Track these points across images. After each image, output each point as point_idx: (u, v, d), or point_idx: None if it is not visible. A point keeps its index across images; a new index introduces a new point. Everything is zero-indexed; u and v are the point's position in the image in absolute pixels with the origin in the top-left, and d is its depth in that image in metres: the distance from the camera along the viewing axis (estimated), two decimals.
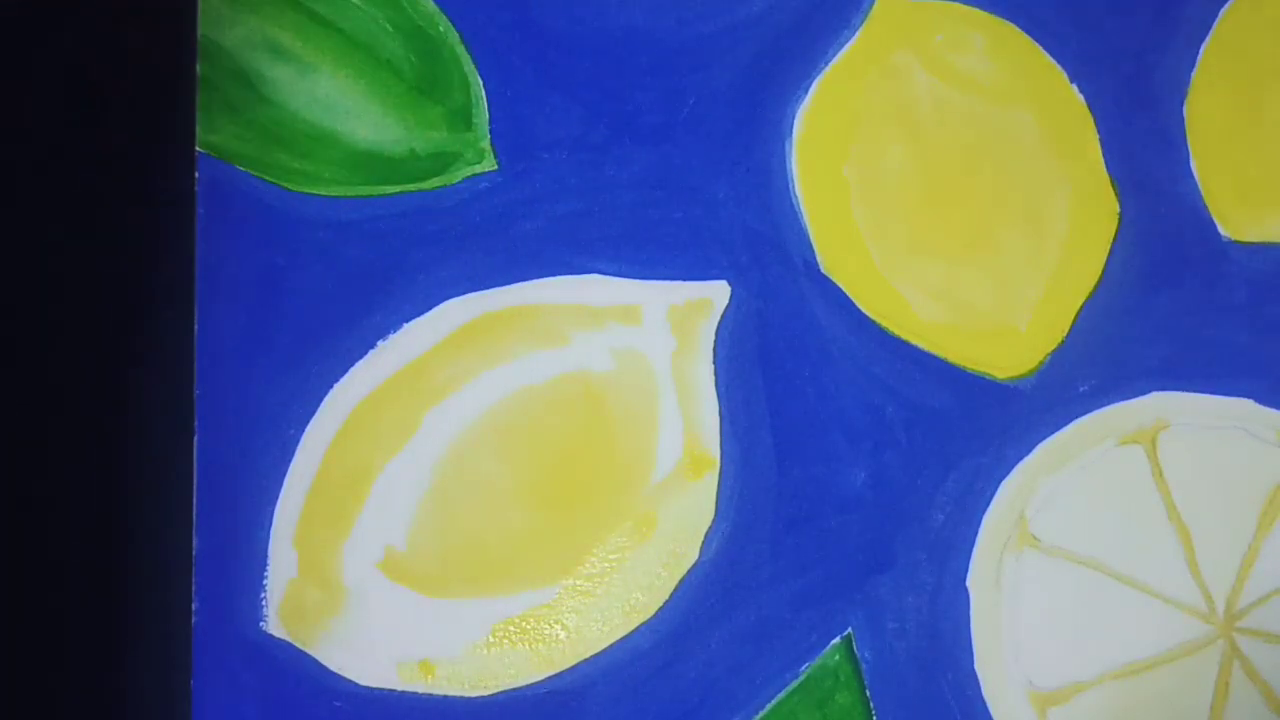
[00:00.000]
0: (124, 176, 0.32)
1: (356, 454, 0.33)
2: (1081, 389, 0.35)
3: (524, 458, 0.34)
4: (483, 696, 0.33)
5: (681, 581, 0.34)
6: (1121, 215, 0.36)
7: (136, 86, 0.33)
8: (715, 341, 0.35)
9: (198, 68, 0.34)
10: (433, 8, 0.35)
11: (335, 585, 0.33)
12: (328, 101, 0.35)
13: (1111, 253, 0.36)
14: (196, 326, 0.33)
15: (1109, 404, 0.35)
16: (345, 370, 0.34)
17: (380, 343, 0.34)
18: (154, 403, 0.32)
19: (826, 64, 0.36)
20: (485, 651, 0.33)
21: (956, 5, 0.37)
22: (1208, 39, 0.37)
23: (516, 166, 0.35)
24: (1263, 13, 0.37)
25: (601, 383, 0.34)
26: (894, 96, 0.36)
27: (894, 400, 0.35)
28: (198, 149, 0.34)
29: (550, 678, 0.33)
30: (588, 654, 0.33)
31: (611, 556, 0.34)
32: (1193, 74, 0.37)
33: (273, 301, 0.34)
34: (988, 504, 0.35)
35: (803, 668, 0.34)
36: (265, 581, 0.33)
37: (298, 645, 0.33)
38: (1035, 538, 0.34)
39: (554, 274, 0.35)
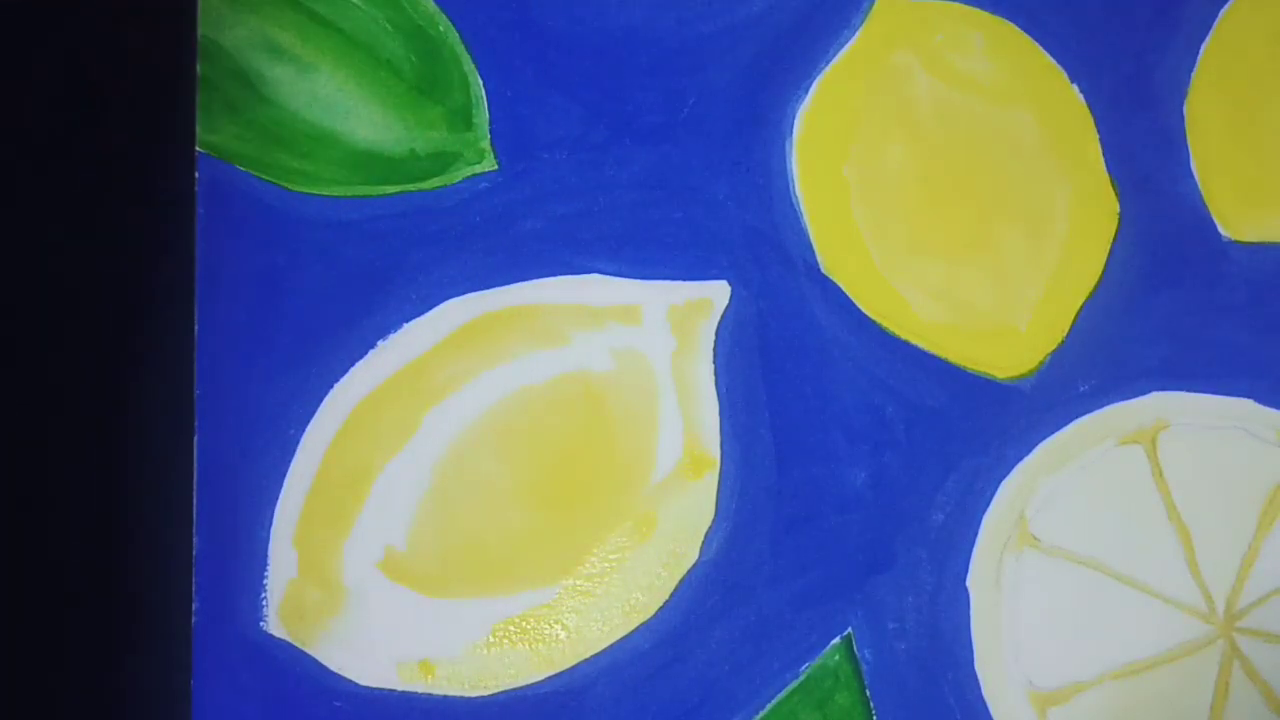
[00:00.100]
0: (124, 176, 0.32)
1: (356, 454, 0.33)
2: (1081, 389, 0.35)
3: (524, 458, 0.34)
4: (483, 696, 0.33)
5: (681, 581, 0.34)
6: (1121, 215, 0.36)
7: (136, 86, 0.33)
8: (715, 341, 0.35)
9: (198, 68, 0.34)
10: (433, 8, 0.35)
11: (335, 585, 0.33)
12: (328, 101, 0.35)
13: (1111, 253, 0.36)
14: (196, 326, 0.33)
15: (1109, 404, 0.35)
16: (345, 370, 0.34)
17: (380, 343, 0.34)
18: (154, 403, 0.32)
19: (826, 64, 0.36)
20: (485, 651, 0.33)
21: (956, 5, 0.37)
22: (1208, 39, 0.37)
23: (516, 166, 0.35)
24: (1263, 13, 0.37)
25: (601, 383, 0.34)
26: (894, 96, 0.36)
27: (894, 400, 0.35)
28: (198, 149, 0.34)
29: (550, 678, 0.33)
30: (588, 654, 0.33)
31: (611, 556, 0.34)
32: (1193, 74, 0.37)
33: (273, 301, 0.34)
34: (988, 504, 0.35)
35: (803, 668, 0.34)
36: (265, 581, 0.33)
37: (298, 645, 0.33)
38: (1035, 538, 0.34)
39: (554, 274, 0.35)
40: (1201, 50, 0.37)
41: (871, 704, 0.33)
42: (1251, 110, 0.37)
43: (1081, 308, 0.36)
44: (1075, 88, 0.37)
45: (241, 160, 0.34)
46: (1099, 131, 0.36)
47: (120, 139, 0.32)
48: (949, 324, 0.35)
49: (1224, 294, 0.36)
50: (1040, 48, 0.37)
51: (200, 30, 0.34)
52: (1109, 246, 0.36)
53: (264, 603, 0.33)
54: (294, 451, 0.33)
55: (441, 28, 0.35)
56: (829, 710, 0.33)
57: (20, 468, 0.31)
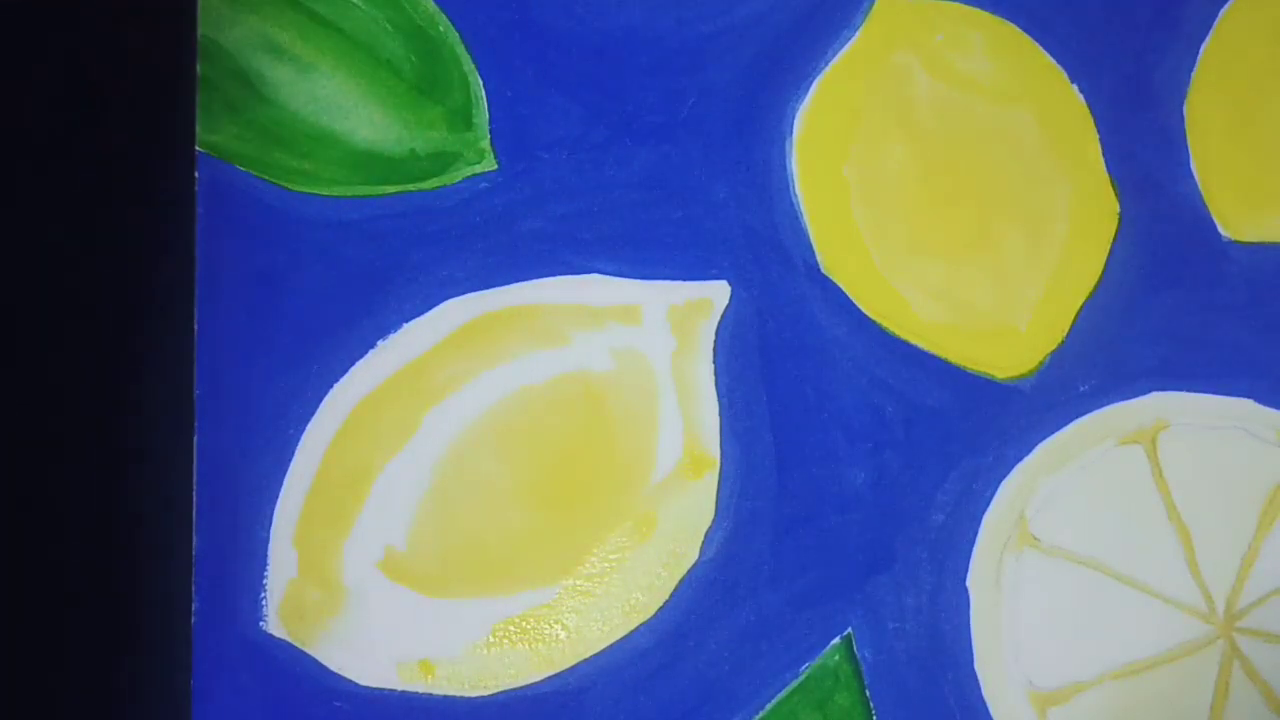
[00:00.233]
0: (124, 176, 0.32)
1: (356, 454, 0.33)
2: (1081, 389, 0.35)
3: (524, 458, 0.34)
4: (483, 696, 0.33)
5: (681, 581, 0.34)
6: (1121, 215, 0.36)
7: (136, 86, 0.33)
8: (715, 341, 0.35)
9: (198, 68, 0.34)
10: (433, 8, 0.35)
11: (335, 585, 0.33)
12: (328, 101, 0.35)
13: (1111, 253, 0.36)
14: (196, 326, 0.33)
15: (1109, 404, 0.35)
16: (345, 370, 0.34)
17: (380, 343, 0.34)
18: (154, 403, 0.32)
19: (826, 64, 0.36)
20: (485, 651, 0.33)
21: (956, 5, 0.37)
22: (1208, 39, 0.37)
23: (516, 166, 0.35)
24: (1263, 13, 0.37)
25: (601, 383, 0.34)
26: (894, 96, 0.36)
27: (894, 400, 0.35)
28: (198, 149, 0.34)
29: (550, 678, 0.33)
30: (588, 654, 0.33)
31: (611, 556, 0.34)
32: (1193, 74, 0.37)
33: (273, 301, 0.34)
34: (988, 504, 0.35)
35: (803, 668, 0.34)
36: (265, 581, 0.33)
37: (298, 645, 0.33)
38: (1035, 538, 0.34)
39: (554, 274, 0.35)
40: (1201, 50, 0.37)
41: (871, 704, 0.33)
42: (1251, 110, 0.37)
43: (1081, 308, 0.36)
44: (1075, 88, 0.37)
45: (241, 160, 0.34)
46: (1099, 131, 0.36)
47: (120, 139, 0.32)
48: (949, 324, 0.35)
49: (1224, 294, 0.36)
50: (1040, 48, 0.37)
51: (200, 30, 0.34)
52: (1109, 246, 0.36)
53: (264, 603, 0.33)
54: (294, 451, 0.33)
55: (441, 28, 0.35)
56: (829, 710, 0.33)
57: (20, 468, 0.31)
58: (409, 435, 0.34)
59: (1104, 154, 0.36)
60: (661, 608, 0.34)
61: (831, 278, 0.35)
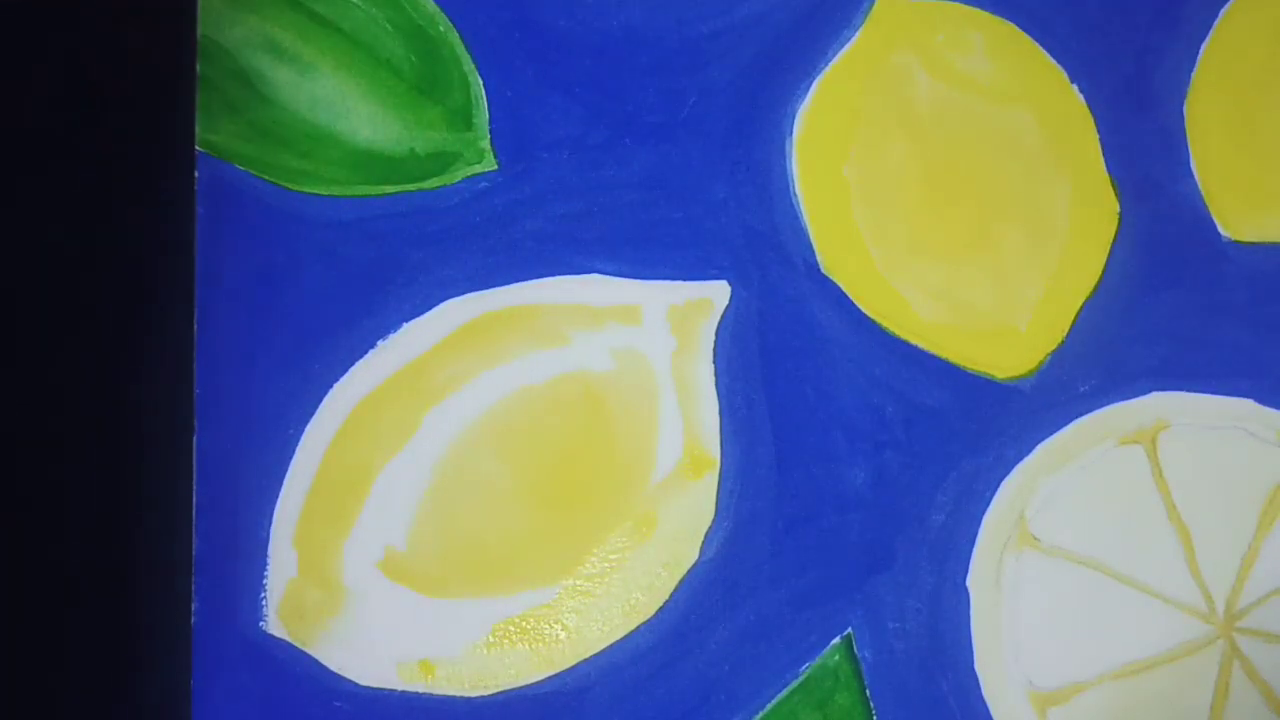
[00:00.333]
0: (124, 176, 0.32)
1: (356, 454, 0.33)
2: (1081, 389, 0.35)
3: (524, 458, 0.34)
4: (483, 696, 0.33)
5: (681, 581, 0.34)
6: (1121, 215, 0.36)
7: (136, 86, 0.33)
8: (715, 341, 0.35)
9: (198, 68, 0.34)
10: (433, 8, 0.35)
11: (335, 585, 0.33)
12: (328, 101, 0.35)
13: (1111, 253, 0.36)
14: (196, 326, 0.33)
15: (1109, 404, 0.35)
16: (345, 370, 0.34)
17: (380, 343, 0.34)
18: (154, 403, 0.32)
19: (826, 64, 0.36)
20: (485, 651, 0.33)
21: (956, 5, 0.37)
22: (1208, 39, 0.37)
23: (516, 166, 0.35)
24: (1263, 13, 0.37)
25: (601, 383, 0.34)
26: (894, 96, 0.36)
27: (894, 400, 0.35)
28: (198, 149, 0.34)
29: (550, 678, 0.33)
30: (588, 654, 0.33)
31: (611, 556, 0.34)
32: (1193, 74, 0.37)
33: (273, 301, 0.34)
34: (988, 504, 0.35)
35: (803, 668, 0.34)
36: (265, 581, 0.33)
37: (298, 645, 0.33)
38: (1035, 538, 0.34)
39: (554, 274, 0.35)
40: (1201, 50, 0.37)
41: (871, 704, 0.33)
42: (1251, 110, 0.37)
43: (1081, 308, 0.36)
44: (1075, 88, 0.37)
45: (241, 160, 0.34)
46: (1099, 131, 0.36)
47: (120, 139, 0.32)
48: (949, 324, 0.35)
49: (1224, 294, 0.36)
50: (1040, 48, 0.37)
51: (200, 30, 0.34)
52: (1109, 246, 0.36)
53: (264, 603, 0.33)
54: (294, 451, 0.33)
55: (441, 28, 0.35)
56: (829, 710, 0.33)
57: (20, 468, 0.31)
58: (409, 435, 0.34)
59: (1104, 154, 0.36)
60: (661, 608, 0.34)
61: (831, 278, 0.35)
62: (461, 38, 0.35)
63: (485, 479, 0.34)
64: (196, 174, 0.34)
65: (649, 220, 0.35)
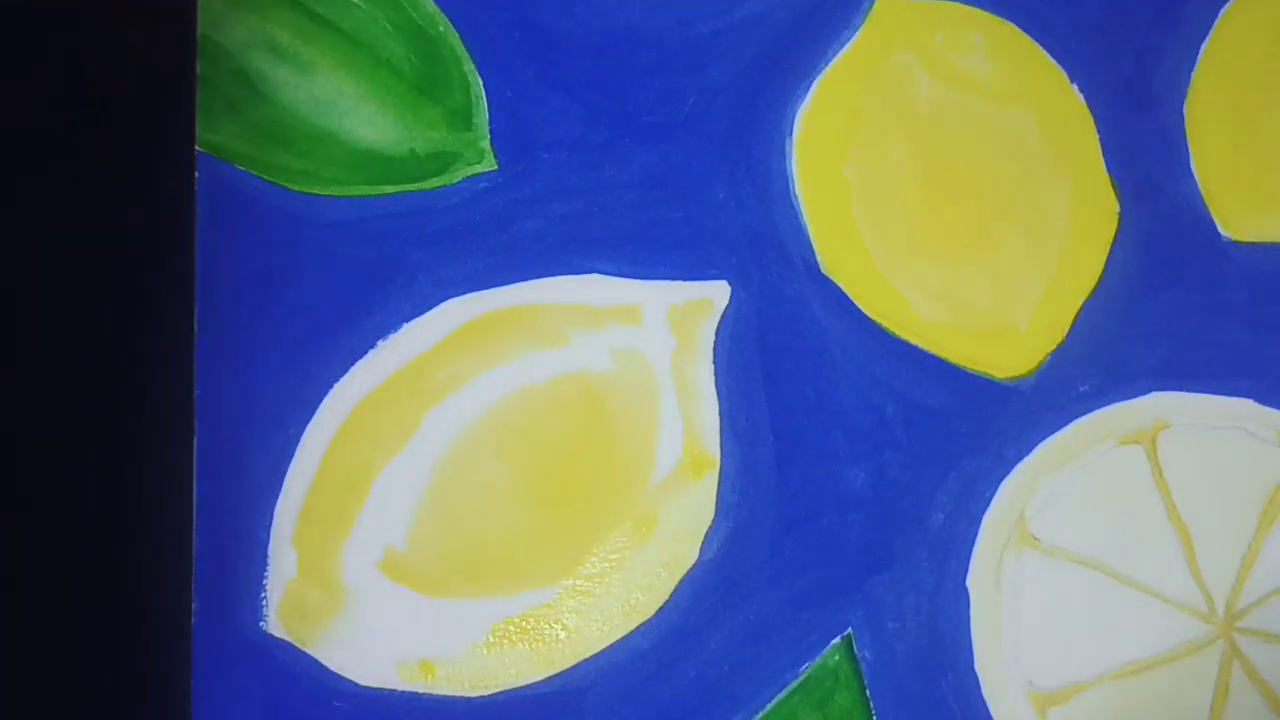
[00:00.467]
0: (124, 176, 0.32)
1: (356, 454, 0.33)
2: (1081, 389, 0.35)
3: (524, 458, 0.34)
4: (483, 696, 0.33)
5: (681, 581, 0.34)
6: (1121, 215, 0.36)
7: (136, 86, 0.33)
8: (715, 341, 0.35)
9: (198, 68, 0.34)
10: (433, 8, 0.35)
11: (335, 585, 0.33)
12: (328, 101, 0.35)
13: (1111, 253, 0.36)
14: (196, 326, 0.33)
15: (1109, 404, 0.35)
16: (345, 370, 0.34)
17: (380, 343, 0.34)
18: (154, 403, 0.32)
19: (826, 64, 0.36)
20: (485, 651, 0.33)
21: (956, 5, 0.37)
22: (1208, 39, 0.37)
23: (516, 166, 0.35)
24: (1263, 13, 0.37)
25: (601, 383, 0.34)
26: (894, 96, 0.36)
27: (894, 400, 0.35)
28: (198, 149, 0.34)
29: (550, 678, 0.33)
30: (588, 654, 0.33)
31: (611, 556, 0.34)
32: (1193, 74, 0.37)
33: (273, 301, 0.34)
34: (988, 504, 0.35)
35: (803, 668, 0.34)
36: (265, 581, 0.33)
37: (298, 645, 0.33)
38: (1035, 538, 0.34)
39: (554, 274, 0.35)
40: (1201, 50, 0.37)
41: (871, 704, 0.33)
42: (1251, 110, 0.37)
43: (1081, 308, 0.36)
44: (1075, 88, 0.37)
45: (241, 160, 0.34)
46: (1099, 131, 0.36)
47: (120, 139, 0.32)
48: (949, 324, 0.35)
49: (1224, 294, 0.36)
50: (1040, 48, 0.37)
51: (200, 30, 0.34)
52: (1109, 246, 0.36)
53: (264, 603, 0.33)
54: (294, 451, 0.33)
55: (441, 28, 0.35)
56: (829, 710, 0.33)
57: (20, 468, 0.31)
58: (409, 435, 0.34)
59: (1104, 154, 0.36)
60: (661, 608, 0.34)
61: (831, 278, 0.35)
62: (461, 38, 0.35)
63: (485, 479, 0.34)
64: (196, 174, 0.34)
65: (649, 220, 0.35)
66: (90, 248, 0.32)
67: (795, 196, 0.35)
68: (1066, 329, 0.36)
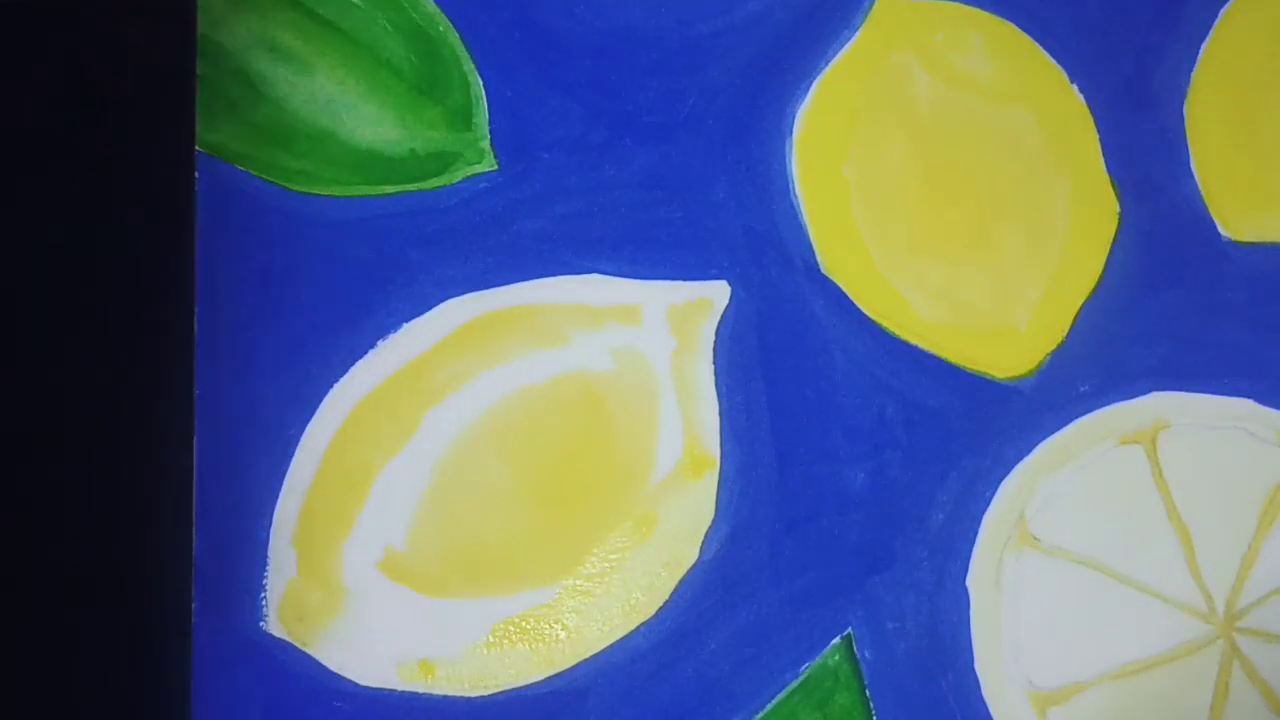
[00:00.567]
0: (124, 176, 0.32)
1: (356, 454, 0.33)
2: (1081, 389, 0.35)
3: (524, 458, 0.34)
4: (483, 696, 0.33)
5: (681, 581, 0.34)
6: (1121, 215, 0.36)
7: (136, 86, 0.33)
8: (715, 341, 0.35)
9: (198, 68, 0.34)
10: (433, 8, 0.35)
11: (335, 585, 0.33)
12: (328, 101, 0.35)
13: (1111, 253, 0.36)
14: (196, 326, 0.33)
15: (1109, 404, 0.35)
16: (345, 370, 0.34)
17: (380, 343, 0.34)
18: (154, 403, 0.32)
19: (826, 64, 0.36)
20: (485, 651, 0.33)
21: (956, 5, 0.37)
22: (1208, 39, 0.37)
23: (516, 166, 0.35)
24: (1263, 13, 0.37)
25: (601, 383, 0.34)
26: (894, 96, 0.36)
27: (894, 400, 0.35)
28: (198, 149, 0.34)
29: (550, 678, 0.33)
30: (588, 654, 0.33)
31: (611, 556, 0.34)
32: (1193, 74, 0.37)
33: (273, 301, 0.34)
34: (988, 504, 0.35)
35: (803, 668, 0.34)
36: (265, 581, 0.33)
37: (298, 645, 0.33)
38: (1035, 538, 0.34)
39: (554, 274, 0.35)
40: (1201, 50, 0.37)
41: (871, 704, 0.33)
42: (1251, 110, 0.37)
43: (1081, 308, 0.36)
44: (1075, 88, 0.37)
45: (241, 160, 0.34)
46: (1099, 131, 0.36)
47: (120, 139, 0.32)
48: (949, 324, 0.35)
49: (1224, 294, 0.36)
50: (1040, 48, 0.37)
51: (200, 30, 0.34)
52: (1109, 246, 0.36)
53: (264, 603, 0.33)
54: (294, 451, 0.33)
55: (441, 28, 0.35)
56: (829, 710, 0.33)
57: (20, 467, 0.31)
58: (409, 435, 0.34)
59: (1104, 154, 0.36)
60: (661, 608, 0.34)
61: (831, 278, 0.35)
62: (461, 38, 0.35)
63: (485, 479, 0.34)
64: (196, 174, 0.34)
65: (649, 220, 0.35)
66: (90, 248, 0.32)
67: (795, 196, 0.35)
68: (1066, 329, 0.36)
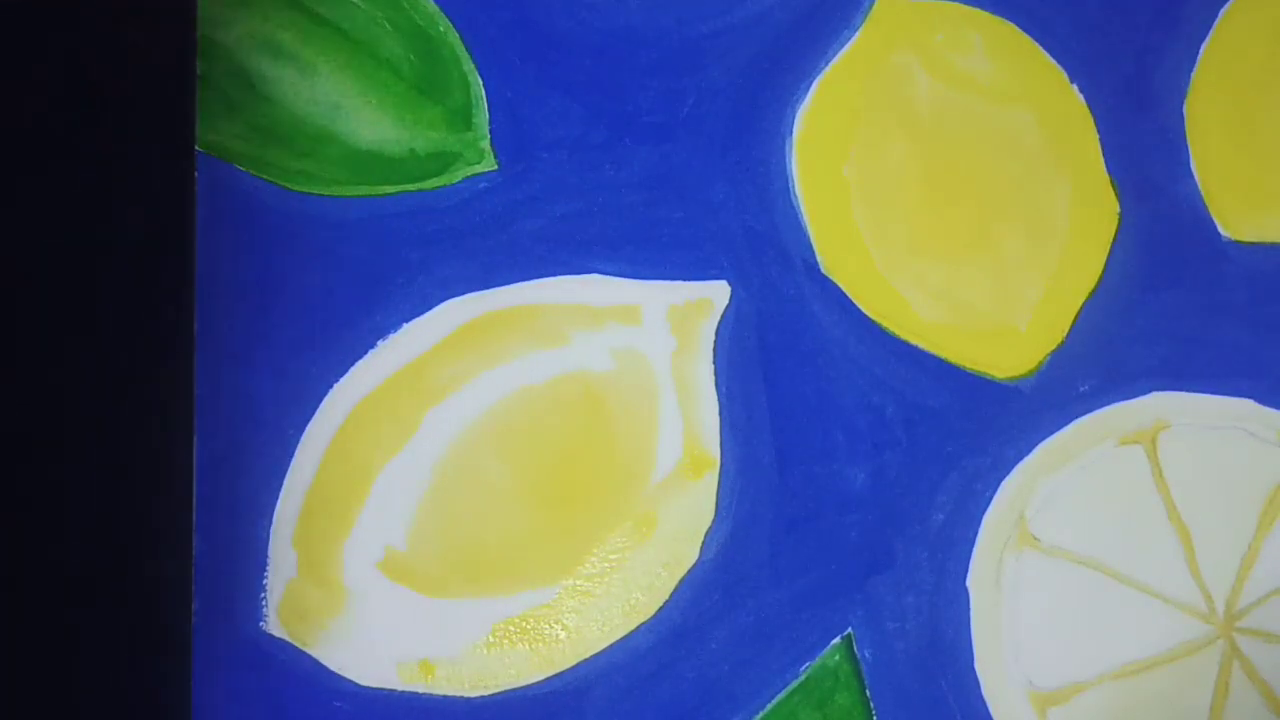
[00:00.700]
0: (124, 176, 0.32)
1: (356, 454, 0.33)
2: (1081, 389, 0.35)
3: (524, 458, 0.34)
4: (483, 696, 0.33)
5: (681, 581, 0.34)
6: (1121, 215, 0.36)
7: (136, 86, 0.33)
8: (715, 341, 0.35)
9: (198, 68, 0.34)
10: (433, 8, 0.35)
11: (335, 585, 0.33)
12: (328, 101, 0.35)
13: (1111, 253, 0.36)
14: (196, 326, 0.33)
15: (1109, 404, 0.35)
16: (345, 370, 0.34)
17: (380, 343, 0.34)
18: (154, 403, 0.32)
19: (826, 64, 0.36)
20: (485, 651, 0.33)
21: (956, 5, 0.37)
22: (1208, 39, 0.37)
23: (516, 166, 0.35)
24: (1263, 13, 0.37)
25: (601, 383, 0.34)
26: (894, 96, 0.36)
27: (894, 400, 0.35)
28: (198, 149, 0.34)
29: (550, 678, 0.33)
30: (588, 654, 0.33)
31: (611, 556, 0.34)
32: (1193, 74, 0.37)
33: (273, 301, 0.34)
34: (988, 504, 0.35)
35: (803, 668, 0.34)
36: (265, 581, 0.33)
37: (298, 645, 0.33)
38: (1035, 538, 0.34)
39: (554, 274, 0.35)
40: (1201, 50, 0.37)
41: (871, 704, 0.33)
42: (1251, 110, 0.37)
43: (1081, 308, 0.36)
44: (1075, 88, 0.37)
45: (241, 160, 0.34)
46: (1099, 131, 0.36)
47: (120, 139, 0.32)
48: (949, 324, 0.35)
49: (1224, 294, 0.36)
50: (1040, 48, 0.37)
51: (200, 30, 0.34)
52: (1109, 246, 0.36)
53: (264, 603, 0.33)
54: (294, 451, 0.33)
55: (441, 28, 0.35)
56: (829, 710, 0.33)
57: (20, 467, 0.31)
58: (409, 435, 0.34)
59: (1104, 154, 0.36)
60: (661, 608, 0.34)
61: (831, 278, 0.35)
62: (461, 38, 0.35)
63: (485, 479, 0.34)
64: (196, 174, 0.34)
65: (649, 220, 0.35)
66: (90, 248, 0.32)
67: (795, 196, 0.35)
68: (1066, 329, 0.36)
